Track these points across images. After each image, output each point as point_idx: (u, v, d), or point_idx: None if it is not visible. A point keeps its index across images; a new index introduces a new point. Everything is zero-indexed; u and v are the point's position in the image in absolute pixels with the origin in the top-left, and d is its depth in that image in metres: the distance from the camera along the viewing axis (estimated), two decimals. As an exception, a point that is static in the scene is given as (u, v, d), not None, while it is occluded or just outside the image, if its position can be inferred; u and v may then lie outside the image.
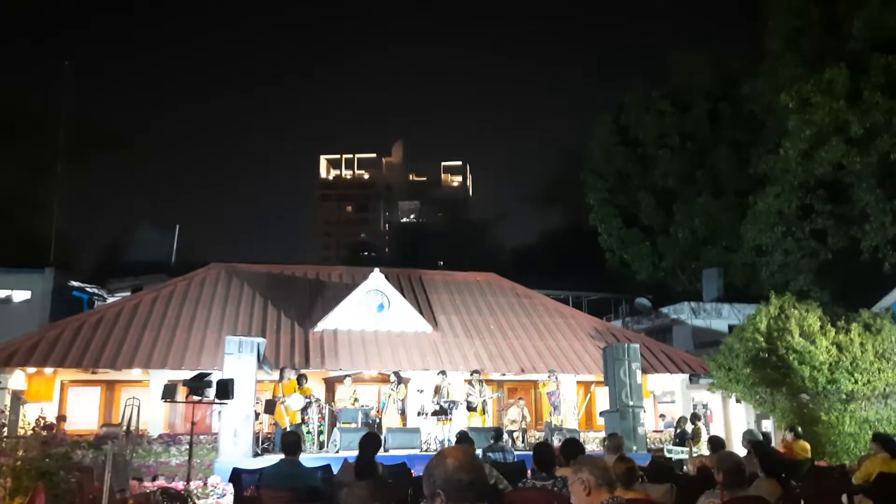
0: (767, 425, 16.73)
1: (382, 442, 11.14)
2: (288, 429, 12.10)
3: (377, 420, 14.00)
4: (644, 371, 14.87)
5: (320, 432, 12.94)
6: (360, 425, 12.82)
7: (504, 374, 16.53)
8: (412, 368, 15.65)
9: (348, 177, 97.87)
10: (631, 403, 13.10)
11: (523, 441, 14.15)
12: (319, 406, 13.17)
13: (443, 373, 14.50)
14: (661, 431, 16.41)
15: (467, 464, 2.16)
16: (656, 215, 27.97)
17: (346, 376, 14.64)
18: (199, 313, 16.71)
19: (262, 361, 12.40)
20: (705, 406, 17.81)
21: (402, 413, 14.45)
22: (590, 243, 30.66)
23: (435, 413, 13.65)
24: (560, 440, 11.44)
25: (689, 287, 27.40)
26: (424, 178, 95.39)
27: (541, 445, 5.78)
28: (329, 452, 12.00)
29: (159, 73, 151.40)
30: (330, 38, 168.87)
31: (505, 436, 12.54)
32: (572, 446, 5.85)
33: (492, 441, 10.23)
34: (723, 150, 26.23)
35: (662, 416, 17.73)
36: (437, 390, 14.08)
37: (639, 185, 28.51)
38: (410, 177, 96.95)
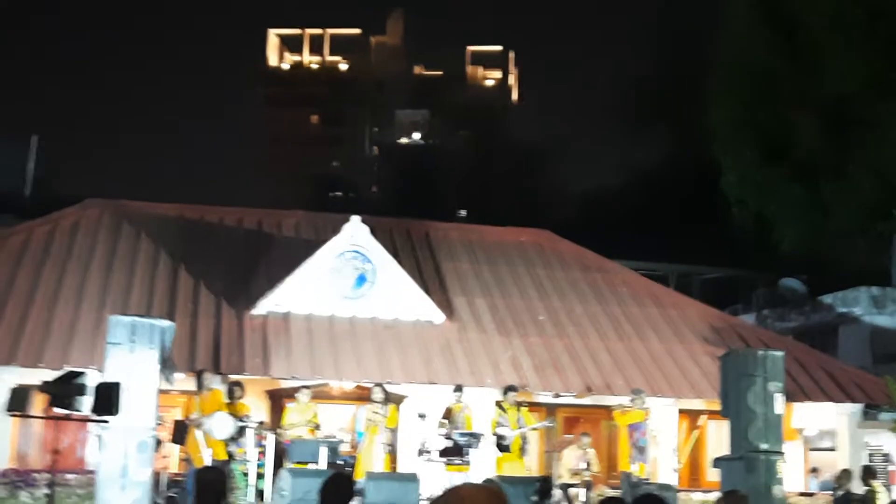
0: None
1: (357, 494, 11.26)
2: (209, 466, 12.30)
3: (350, 460, 14.21)
4: (789, 397, 14.82)
5: (260, 475, 13.16)
6: (322, 466, 12.98)
7: (559, 396, 16.67)
8: (410, 381, 15.81)
9: (314, 66, 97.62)
10: (765, 447, 13.08)
11: (587, 502, 14.31)
12: (259, 434, 13.34)
13: (459, 388, 14.66)
14: (813, 495, 16.53)
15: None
16: (822, 145, 27.63)
17: (302, 388, 14.81)
18: (68, 279, 16.86)
19: (167, 359, 12.52)
20: (886, 457, 17.86)
21: (391, 451, 14.62)
22: (707, 189, 30.48)
23: (445, 453, 13.80)
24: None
25: (870, 263, 27.20)
26: (439, 73, 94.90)
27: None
28: (272, 507, 12.19)
29: None
30: None
31: (557, 492, 12.68)
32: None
33: (535, 499, 10.35)
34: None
35: (815, 470, 17.81)
36: (449, 416, 14.24)
37: (795, 95, 28.14)
38: (416, 70, 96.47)
